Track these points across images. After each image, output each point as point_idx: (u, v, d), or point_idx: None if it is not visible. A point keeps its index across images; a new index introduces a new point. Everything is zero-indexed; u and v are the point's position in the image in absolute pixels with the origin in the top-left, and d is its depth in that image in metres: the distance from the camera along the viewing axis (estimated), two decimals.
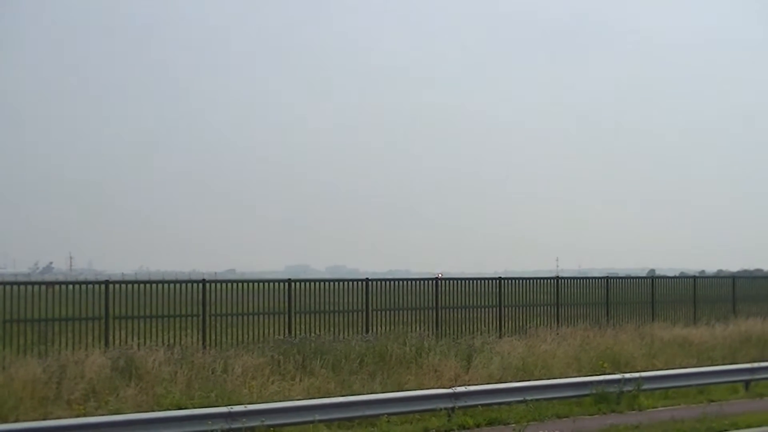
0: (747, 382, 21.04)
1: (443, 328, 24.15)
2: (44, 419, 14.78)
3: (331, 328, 22.29)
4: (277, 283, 22.82)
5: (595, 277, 30.07)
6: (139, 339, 19.63)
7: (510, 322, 25.61)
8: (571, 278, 28.99)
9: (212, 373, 18.20)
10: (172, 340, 19.95)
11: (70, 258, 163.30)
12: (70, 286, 20.61)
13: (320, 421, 15.29)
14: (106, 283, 20.49)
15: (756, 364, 21.34)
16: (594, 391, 18.40)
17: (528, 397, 17.42)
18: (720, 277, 39.77)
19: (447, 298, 24.96)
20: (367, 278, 24.01)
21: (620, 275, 37.38)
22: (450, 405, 16.59)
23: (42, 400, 16.22)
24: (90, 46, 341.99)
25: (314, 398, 16.53)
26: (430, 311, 24.45)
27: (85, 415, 15.05)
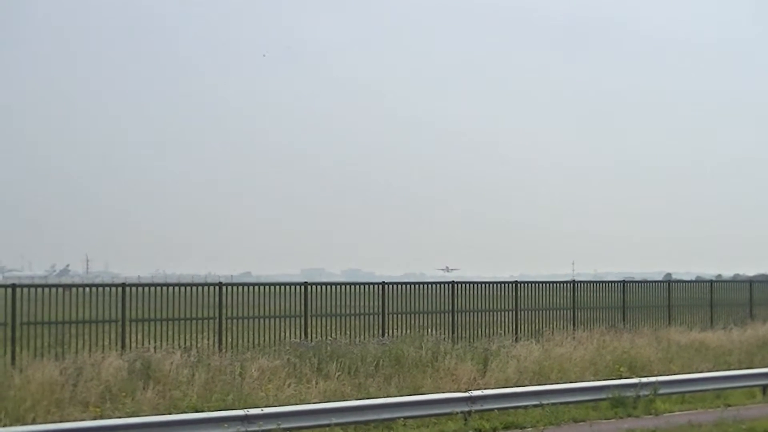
0: (764, 387, 20.92)
1: (459, 331, 24.13)
2: (61, 421, 14.84)
3: (347, 332, 22.29)
4: (293, 287, 22.84)
5: (611, 281, 29.99)
6: (155, 342, 19.67)
7: (526, 325, 25.55)
8: (587, 282, 28.89)
9: (229, 375, 18.23)
10: (188, 343, 19.99)
11: (87, 261, 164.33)
12: (87, 289, 20.72)
13: (336, 424, 15.30)
14: (123, 285, 20.58)
15: None
16: (610, 396, 18.36)
17: (544, 401, 17.38)
18: (737, 281, 39.66)
19: (463, 301, 24.93)
20: (383, 281, 23.99)
21: (636, 279, 37.26)
22: (466, 409, 16.58)
23: (59, 402, 16.26)
24: (107, 48, 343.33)
25: (330, 401, 16.56)
26: (446, 315, 24.42)
27: (101, 417, 15.14)
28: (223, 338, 20.85)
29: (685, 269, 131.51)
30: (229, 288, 21.79)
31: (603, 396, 18.41)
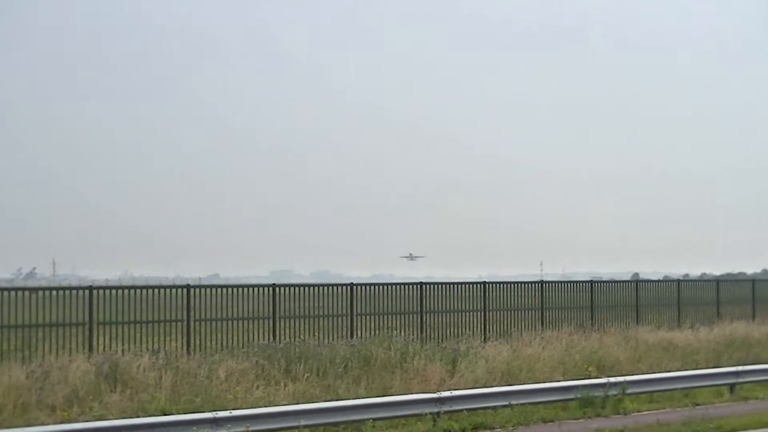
0: (732, 386, 21.10)
1: (428, 332, 24.15)
2: (27, 425, 14.67)
3: (316, 333, 22.23)
4: (261, 288, 22.76)
5: (579, 281, 30.12)
6: (123, 344, 19.54)
7: (495, 326, 25.62)
8: (555, 282, 29.00)
9: (197, 378, 18.13)
10: (156, 346, 19.87)
11: (54, 264, 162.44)
12: (54, 292, 20.52)
13: (305, 426, 15.28)
14: (90, 288, 20.41)
15: (740, 368, 21.42)
16: (579, 395, 18.43)
17: (513, 402, 17.41)
18: (704, 281, 39.89)
19: (432, 302, 24.96)
20: (351, 283, 23.98)
21: (604, 279, 37.47)
22: (435, 409, 16.58)
23: (25, 406, 16.12)
24: (73, 44, 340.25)
25: (299, 403, 16.50)
26: (415, 315, 24.44)
27: (69, 421, 14.99)
28: (191, 340, 20.74)
29: (653, 269, 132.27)
30: (197, 290, 21.66)
31: (572, 396, 18.49)
